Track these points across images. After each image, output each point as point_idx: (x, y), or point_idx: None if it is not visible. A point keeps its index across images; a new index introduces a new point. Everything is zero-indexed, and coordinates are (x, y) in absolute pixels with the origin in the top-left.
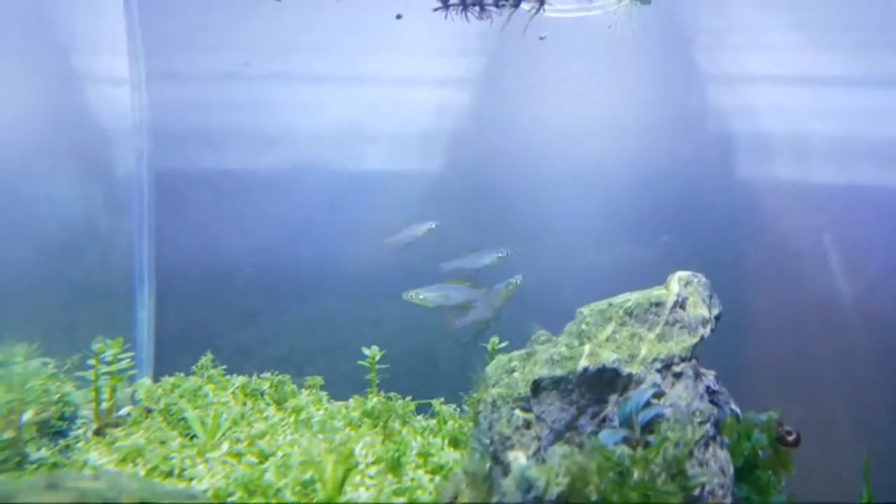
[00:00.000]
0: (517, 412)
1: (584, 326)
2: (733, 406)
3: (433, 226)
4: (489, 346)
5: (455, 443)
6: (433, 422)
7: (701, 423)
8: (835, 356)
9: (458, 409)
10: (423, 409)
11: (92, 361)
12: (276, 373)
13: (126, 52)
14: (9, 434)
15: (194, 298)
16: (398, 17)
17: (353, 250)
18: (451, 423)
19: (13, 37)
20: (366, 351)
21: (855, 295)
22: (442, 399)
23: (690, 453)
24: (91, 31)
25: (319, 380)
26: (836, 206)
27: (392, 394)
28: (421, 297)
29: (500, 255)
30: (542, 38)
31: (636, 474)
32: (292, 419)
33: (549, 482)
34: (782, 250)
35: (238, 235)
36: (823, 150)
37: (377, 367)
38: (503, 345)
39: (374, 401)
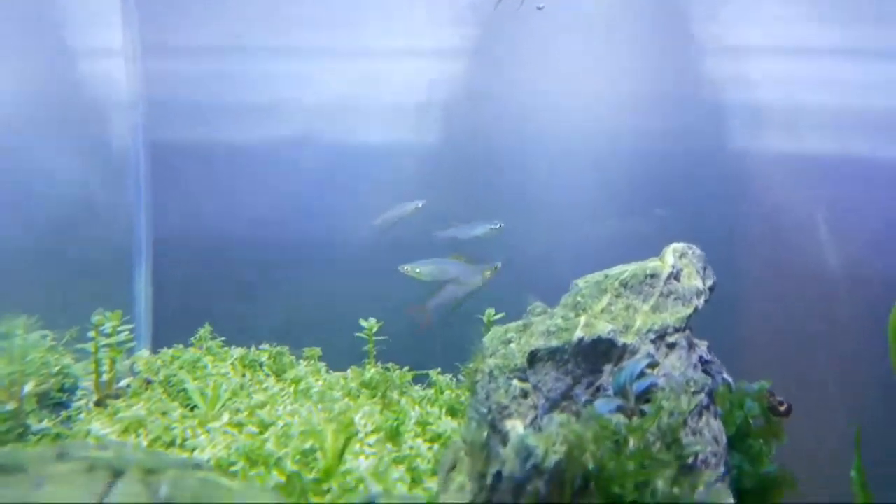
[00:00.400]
0: (515, 382)
1: (579, 298)
2: (725, 375)
3: (419, 205)
4: (485, 318)
5: (452, 412)
6: (430, 391)
7: (695, 392)
8: (825, 328)
9: (455, 380)
10: (420, 381)
11: (91, 334)
12: (275, 344)
13: (120, 25)
14: (11, 405)
15: (190, 271)
16: None
17: (348, 223)
18: (447, 392)
19: (4, 10)
20: (363, 323)
21: (846, 267)
22: (439, 370)
23: (684, 422)
24: (84, 3)
25: (317, 351)
26: (829, 178)
27: (390, 364)
28: (417, 270)
29: (493, 226)
30: (539, 9)
31: (632, 443)
32: (292, 389)
33: (547, 450)
34: (775, 222)
35: (233, 208)
36: (817, 121)
37: (375, 338)
38: (499, 316)
39: (371, 371)
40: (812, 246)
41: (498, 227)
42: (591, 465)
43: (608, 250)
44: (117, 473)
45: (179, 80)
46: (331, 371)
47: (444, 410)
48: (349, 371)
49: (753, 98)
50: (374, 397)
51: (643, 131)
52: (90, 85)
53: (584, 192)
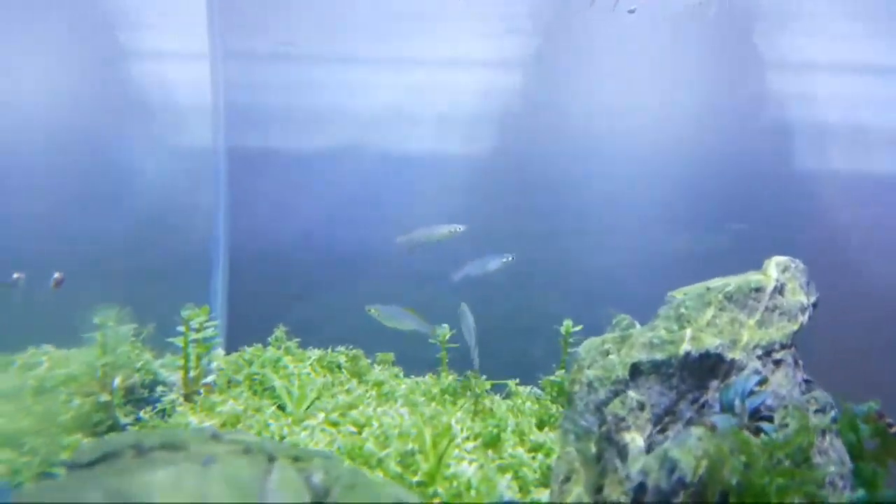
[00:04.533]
0: (631, 394)
1: (682, 310)
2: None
3: (458, 229)
4: (563, 330)
5: (540, 423)
6: (516, 401)
7: (817, 411)
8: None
9: (532, 390)
10: (494, 390)
11: (182, 328)
12: (350, 347)
13: (207, 29)
14: (104, 397)
15: (260, 273)
16: None
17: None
18: (528, 403)
19: (98, 15)
20: (437, 330)
21: None
22: (517, 380)
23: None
24: (172, 9)
25: (391, 356)
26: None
27: (468, 372)
28: (380, 313)
29: (505, 259)
30: (631, 12)
31: (771, 459)
32: (374, 392)
33: (696, 464)
34: (841, 239)
35: (299, 213)
36: (884, 139)
37: (448, 346)
38: (577, 328)
39: (449, 379)
40: (876, 263)
41: (510, 259)
42: (733, 481)
43: (672, 265)
44: (271, 457)
45: (239, 86)
46: (411, 376)
47: (533, 421)
48: (428, 377)
49: (819, 116)
50: (455, 404)
51: (706, 146)
52: (179, 87)
53: (644, 206)
